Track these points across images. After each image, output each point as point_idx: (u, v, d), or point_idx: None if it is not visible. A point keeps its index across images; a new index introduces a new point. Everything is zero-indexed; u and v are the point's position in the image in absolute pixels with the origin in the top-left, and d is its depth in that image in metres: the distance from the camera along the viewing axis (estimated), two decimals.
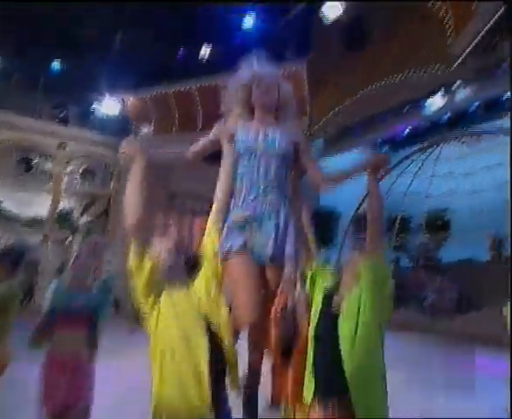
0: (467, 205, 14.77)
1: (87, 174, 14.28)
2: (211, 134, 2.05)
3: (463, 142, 13.93)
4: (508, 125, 12.58)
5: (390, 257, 15.69)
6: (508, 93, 12.99)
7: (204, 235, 1.88)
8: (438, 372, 5.05)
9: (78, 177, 14.53)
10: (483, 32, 6.76)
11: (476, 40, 7.02)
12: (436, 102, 12.02)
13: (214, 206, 1.91)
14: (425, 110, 12.73)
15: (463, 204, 14.90)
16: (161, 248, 1.74)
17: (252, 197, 1.89)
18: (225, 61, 10.64)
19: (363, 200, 15.48)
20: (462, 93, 11.42)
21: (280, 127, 1.98)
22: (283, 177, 1.95)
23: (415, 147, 14.95)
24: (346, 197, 17.90)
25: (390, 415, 1.76)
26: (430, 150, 14.42)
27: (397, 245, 16.36)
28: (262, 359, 1.90)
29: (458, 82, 10.21)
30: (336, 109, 10.79)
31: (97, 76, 10.71)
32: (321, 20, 8.28)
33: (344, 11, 8.00)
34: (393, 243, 16.22)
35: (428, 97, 11.64)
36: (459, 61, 7.50)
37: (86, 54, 10.13)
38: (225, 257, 1.83)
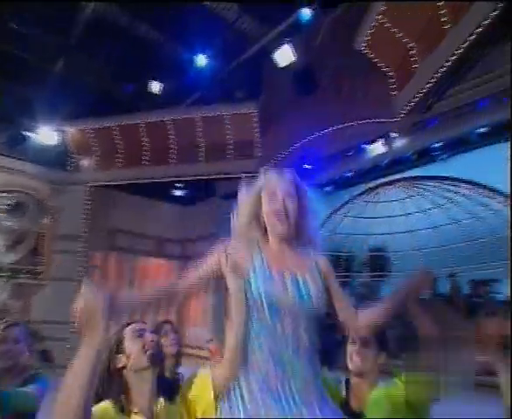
0: (404, 244, 15.60)
1: (17, 208, 13.02)
2: (210, 262, 1.55)
3: (399, 187, 14.81)
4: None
5: None
6: (437, 144, 14.28)
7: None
8: None
9: (5, 211, 13.20)
10: (421, 93, 7.27)
11: (414, 100, 7.54)
12: (377, 148, 12.67)
13: (226, 356, 1.43)
14: (367, 155, 13.37)
15: (401, 244, 15.70)
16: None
17: (274, 379, 1.28)
18: (176, 97, 10.50)
19: None
20: (400, 142, 12.26)
21: (307, 262, 1.48)
22: (314, 344, 1.40)
23: (357, 189, 15.79)
24: None
25: None
26: (371, 193, 15.25)
27: (342, 284, 16.69)
28: None
29: (396, 132, 10.90)
30: (286, 152, 10.97)
31: (34, 103, 9.94)
32: (274, 64, 8.48)
33: (297, 59, 8.26)
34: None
35: (371, 143, 12.26)
36: (399, 114, 7.97)
37: (22, 79, 9.40)
38: None
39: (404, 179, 14.39)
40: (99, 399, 1.47)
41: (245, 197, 1.65)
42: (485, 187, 12.78)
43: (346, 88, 8.78)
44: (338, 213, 15.36)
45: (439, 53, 6.29)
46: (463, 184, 12.75)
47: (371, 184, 15.75)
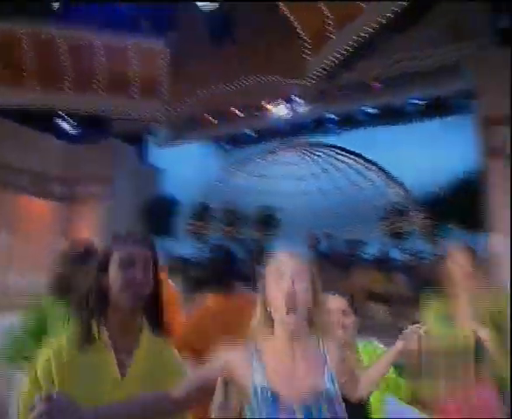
0: (295, 205, 16.80)
1: None
2: (215, 364, 1.28)
3: (297, 150, 15.70)
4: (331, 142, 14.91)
5: (229, 247, 16.49)
6: (333, 116, 15.45)
7: None
8: None
9: None
10: (330, 64, 7.70)
11: (324, 69, 7.95)
12: (281, 110, 13.09)
13: None
14: (270, 115, 13.74)
15: (292, 204, 16.87)
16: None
17: None
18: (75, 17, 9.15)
19: (209, 189, 15.85)
20: (302, 108, 12.92)
21: (320, 367, 1.25)
22: None
23: (257, 148, 16.30)
24: (186, 185, 18.06)
25: None
26: (269, 153, 15.88)
27: (230, 237, 17.34)
28: None
29: (301, 97, 11.38)
30: (192, 98, 10.62)
31: None
32: (195, 5, 7.99)
33: (219, 6, 7.91)
34: (228, 234, 17.17)
35: (275, 104, 12.58)
36: (308, 80, 8.33)
37: None
38: None
39: (301, 144, 15.33)
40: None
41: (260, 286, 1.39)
42: (366, 159, 14.32)
43: (261, 46, 8.79)
44: (234, 167, 15.71)
45: (352, 28, 6.70)
46: (349, 155, 14.09)
47: (270, 144, 16.43)
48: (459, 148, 12.23)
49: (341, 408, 1.17)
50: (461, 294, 2.32)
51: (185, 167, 19.51)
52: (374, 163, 13.82)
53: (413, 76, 10.36)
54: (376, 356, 2.00)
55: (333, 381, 1.20)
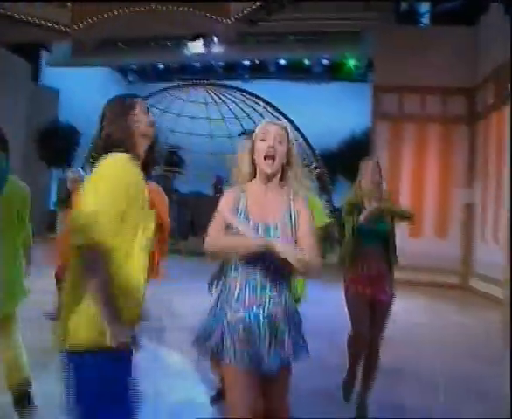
0: (201, 146, 17.02)
1: None
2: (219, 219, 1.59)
3: (209, 91, 15.72)
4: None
5: None
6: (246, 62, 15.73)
7: None
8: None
9: None
10: (253, 7, 8.01)
11: (247, 11, 8.22)
12: (197, 47, 12.89)
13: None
14: (185, 50, 13.44)
15: (199, 145, 17.05)
16: None
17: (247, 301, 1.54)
18: None
19: None
20: (219, 48, 12.95)
21: (284, 206, 1.62)
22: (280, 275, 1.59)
23: (167, 83, 15.84)
24: (86, 116, 16.88)
25: None
26: (181, 90, 15.63)
27: None
28: None
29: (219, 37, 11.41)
30: (102, 16, 9.94)
31: None
32: None
33: None
34: None
35: (192, 39, 12.33)
36: (230, 19, 8.54)
37: None
38: None
39: (214, 84, 15.37)
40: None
41: (243, 149, 1.73)
42: (274, 108, 15.08)
43: None
44: (146, 102, 15.15)
45: None
46: (262, 103, 14.67)
47: (182, 82, 16.10)
48: (354, 110, 13.71)
49: (292, 240, 1.55)
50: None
51: (84, 91, 18.03)
52: (279, 111, 14.65)
53: (322, 36, 11.24)
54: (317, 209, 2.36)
55: (291, 218, 1.61)
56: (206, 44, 12.69)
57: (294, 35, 12.02)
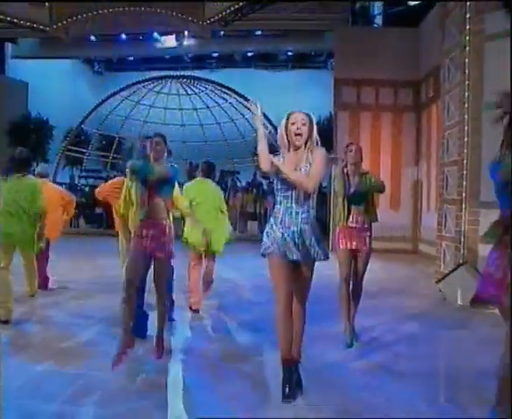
0: (174, 136, 17.66)
1: None
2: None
3: (181, 83, 16.36)
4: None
5: (109, 174, 16.69)
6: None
7: None
8: None
9: None
10: (228, 9, 8.87)
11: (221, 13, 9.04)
12: (169, 41, 13.50)
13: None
14: (157, 44, 14.00)
15: (172, 135, 17.68)
16: None
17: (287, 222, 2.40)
18: None
19: (88, 115, 15.44)
20: (189, 42, 13.67)
21: (306, 159, 2.39)
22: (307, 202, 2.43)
23: (141, 76, 16.30)
24: (56, 108, 17.08)
25: None
26: (154, 83, 16.17)
27: (113, 164, 17.44)
28: None
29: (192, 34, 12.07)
30: (81, 16, 10.42)
31: None
32: None
33: None
34: (110, 162, 17.24)
35: (165, 34, 12.90)
36: (206, 20, 9.32)
37: None
38: None
39: (185, 77, 16.03)
40: None
41: (281, 127, 2.49)
42: (243, 97, 15.94)
43: None
44: (120, 95, 15.60)
45: None
46: (232, 93, 15.51)
47: (153, 74, 16.60)
48: (317, 96, 14.86)
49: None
50: None
51: (52, 83, 18.09)
52: (248, 101, 15.46)
53: (288, 32, 12.21)
54: None
55: (309, 165, 2.40)
56: (178, 39, 13.38)
57: (261, 30, 12.90)
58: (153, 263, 2.99)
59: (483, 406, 2.10)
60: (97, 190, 3.96)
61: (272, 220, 2.50)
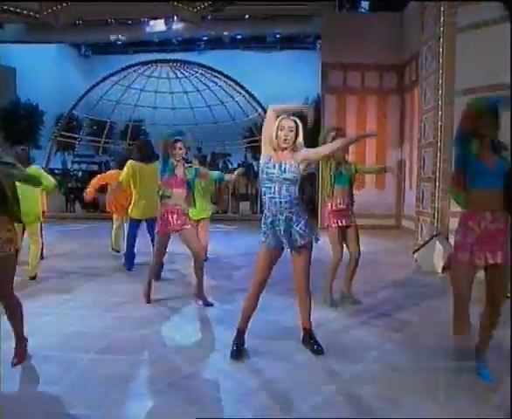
0: (165, 119, 17.85)
1: None
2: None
3: (172, 67, 16.46)
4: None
5: (101, 159, 16.89)
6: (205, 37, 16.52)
7: None
8: None
9: None
10: None
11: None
12: (158, 25, 13.64)
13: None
14: (146, 28, 14.11)
15: (162, 118, 17.87)
16: None
17: (273, 212, 2.75)
18: None
19: (79, 100, 15.53)
20: (179, 26, 13.81)
21: (291, 156, 2.70)
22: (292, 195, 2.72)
23: (130, 59, 16.35)
24: (45, 92, 17.10)
25: None
26: (144, 67, 16.24)
27: (104, 148, 17.61)
28: None
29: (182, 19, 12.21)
30: (69, 2, 10.53)
31: None
32: None
33: None
34: (101, 147, 17.41)
35: (154, 19, 13.04)
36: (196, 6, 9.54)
37: None
38: None
39: (176, 61, 16.13)
40: None
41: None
42: (233, 80, 16.16)
43: None
44: (110, 79, 15.67)
45: None
46: (221, 76, 15.71)
47: (143, 57, 16.65)
48: (306, 81, 15.18)
49: (297, 166, 2.70)
50: None
51: (39, 68, 18.03)
52: (238, 84, 15.78)
53: (276, 16, 12.44)
54: None
55: (297, 159, 2.72)
56: (167, 23, 13.50)
57: (248, 15, 13.07)
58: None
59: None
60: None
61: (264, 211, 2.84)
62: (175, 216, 3.80)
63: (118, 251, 6.17)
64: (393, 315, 3.65)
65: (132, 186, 4.97)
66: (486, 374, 2.42)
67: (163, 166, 3.80)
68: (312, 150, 2.89)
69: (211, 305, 3.82)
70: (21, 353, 2.60)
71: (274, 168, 2.73)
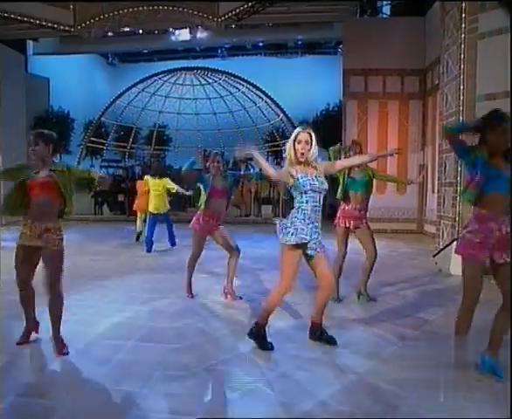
0: (189, 124, 18.32)
1: None
2: (282, 171, 3.02)
3: (195, 74, 16.93)
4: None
5: (126, 163, 17.46)
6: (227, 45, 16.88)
7: None
8: None
9: None
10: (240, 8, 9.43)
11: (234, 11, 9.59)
12: (183, 35, 14.05)
13: None
14: (171, 38, 14.56)
15: (186, 124, 18.34)
16: None
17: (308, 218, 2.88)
18: None
19: (107, 107, 16.15)
20: (203, 34, 14.19)
21: (314, 169, 2.90)
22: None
23: (155, 68, 16.91)
24: (76, 101, 17.82)
25: None
26: (169, 75, 16.77)
27: (130, 154, 18.19)
28: None
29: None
30: (104, 16, 11.05)
31: None
32: None
33: None
34: (128, 152, 18.00)
35: (179, 28, 13.44)
36: (219, 17, 9.86)
37: None
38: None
39: (199, 68, 16.61)
40: None
41: (289, 144, 2.97)
42: (254, 86, 16.46)
43: None
44: (137, 87, 16.28)
45: None
46: (244, 82, 16.06)
47: (168, 65, 17.19)
48: (327, 86, 15.31)
49: (326, 187, 2.88)
50: None
51: (71, 77, 18.82)
52: (260, 90, 16.10)
53: (298, 24, 12.65)
54: None
55: (321, 171, 2.92)
56: (192, 32, 13.91)
57: (271, 22, 13.34)
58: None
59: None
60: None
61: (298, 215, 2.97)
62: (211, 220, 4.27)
63: (139, 235, 7.99)
64: (410, 314, 3.77)
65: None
66: (498, 372, 2.52)
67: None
68: (331, 163, 3.15)
69: (240, 298, 4.14)
70: (60, 347, 2.82)
71: (313, 180, 2.91)
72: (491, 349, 2.61)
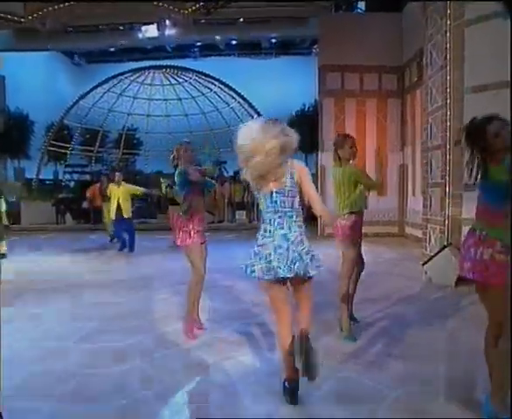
0: (158, 127, 17.51)
1: None
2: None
3: (165, 73, 16.16)
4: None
5: (93, 168, 16.47)
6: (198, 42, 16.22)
7: None
8: None
9: None
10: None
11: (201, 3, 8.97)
12: (151, 31, 13.26)
13: None
14: (138, 34, 13.76)
15: (156, 126, 17.52)
16: None
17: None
18: None
19: (69, 108, 15.15)
20: (172, 31, 13.44)
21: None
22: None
23: (122, 67, 16.04)
24: (35, 101, 16.71)
25: None
26: (137, 74, 15.94)
27: (97, 158, 17.21)
28: None
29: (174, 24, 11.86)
30: (56, 7, 10.20)
31: None
32: None
33: None
34: (94, 156, 17.01)
35: (146, 24, 12.69)
36: (185, 9, 9.23)
37: None
38: None
39: (169, 67, 15.84)
40: None
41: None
42: (228, 86, 15.86)
43: None
44: (102, 87, 15.35)
45: None
46: (215, 82, 15.41)
47: (133, 61, 16.32)
48: (302, 87, 14.87)
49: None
50: None
51: (30, 76, 17.66)
52: (233, 90, 15.50)
53: (271, 19, 12.13)
54: None
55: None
56: (160, 28, 13.14)
57: (243, 18, 12.78)
58: None
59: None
60: None
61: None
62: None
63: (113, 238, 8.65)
64: (399, 336, 3.22)
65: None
66: None
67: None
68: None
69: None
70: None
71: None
72: (492, 391, 2.03)
